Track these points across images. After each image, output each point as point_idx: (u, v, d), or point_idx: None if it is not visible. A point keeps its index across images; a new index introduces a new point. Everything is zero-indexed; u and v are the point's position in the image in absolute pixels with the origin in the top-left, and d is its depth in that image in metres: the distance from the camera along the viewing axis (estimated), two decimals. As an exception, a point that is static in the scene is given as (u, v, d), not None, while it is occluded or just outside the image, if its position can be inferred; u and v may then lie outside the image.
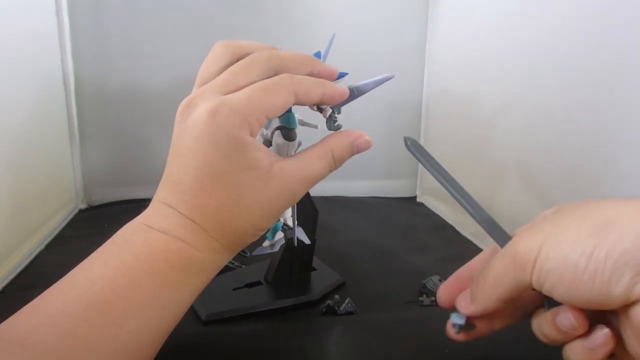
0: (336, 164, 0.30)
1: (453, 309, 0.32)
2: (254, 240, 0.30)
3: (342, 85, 0.31)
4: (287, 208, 0.31)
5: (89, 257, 0.27)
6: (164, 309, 0.27)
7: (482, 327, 0.32)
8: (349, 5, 0.85)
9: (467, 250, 0.66)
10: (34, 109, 0.64)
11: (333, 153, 0.30)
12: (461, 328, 0.31)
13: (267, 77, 0.28)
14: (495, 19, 0.65)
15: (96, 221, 0.74)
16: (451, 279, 0.34)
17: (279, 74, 0.28)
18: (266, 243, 0.39)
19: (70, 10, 0.75)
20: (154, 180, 0.29)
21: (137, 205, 0.28)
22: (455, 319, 0.31)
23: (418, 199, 0.92)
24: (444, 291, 0.34)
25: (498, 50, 0.64)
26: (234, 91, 0.27)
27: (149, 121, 0.82)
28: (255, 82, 0.28)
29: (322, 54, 0.33)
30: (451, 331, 0.32)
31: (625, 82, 0.43)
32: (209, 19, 0.80)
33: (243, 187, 0.27)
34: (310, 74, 0.30)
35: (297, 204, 0.37)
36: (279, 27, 0.83)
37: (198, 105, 0.27)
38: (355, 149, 0.31)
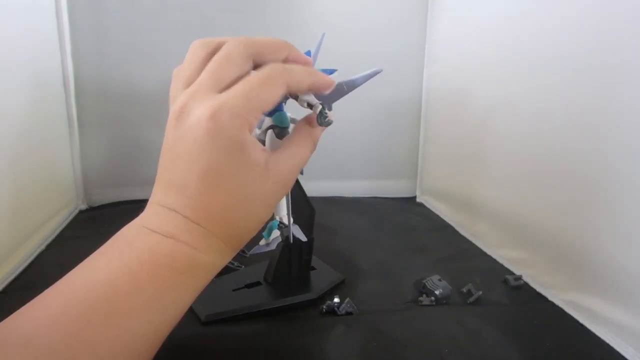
0: (315, 145, 0.32)
1: None
2: (254, 234, 0.30)
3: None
4: (283, 197, 0.32)
5: (89, 259, 0.27)
6: (165, 311, 0.27)
7: None
8: (349, 6, 0.85)
9: (467, 250, 0.66)
10: (33, 109, 0.64)
11: (313, 137, 0.32)
12: None
13: (248, 65, 0.28)
14: (495, 19, 0.66)
15: (96, 221, 0.74)
16: None
17: (258, 60, 0.28)
18: (262, 242, 0.39)
19: (70, 10, 0.75)
20: (154, 181, 0.29)
21: (137, 206, 0.28)
22: None
23: (418, 199, 0.92)
24: None
25: (498, 50, 0.64)
26: (225, 87, 0.27)
27: (149, 122, 0.82)
28: (239, 73, 0.27)
29: (312, 52, 0.33)
30: None
31: (625, 83, 0.43)
32: (209, 20, 0.80)
33: (247, 185, 0.27)
34: (286, 60, 0.30)
35: (294, 203, 0.38)
36: (278, 27, 0.83)
37: (194, 109, 0.26)
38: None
